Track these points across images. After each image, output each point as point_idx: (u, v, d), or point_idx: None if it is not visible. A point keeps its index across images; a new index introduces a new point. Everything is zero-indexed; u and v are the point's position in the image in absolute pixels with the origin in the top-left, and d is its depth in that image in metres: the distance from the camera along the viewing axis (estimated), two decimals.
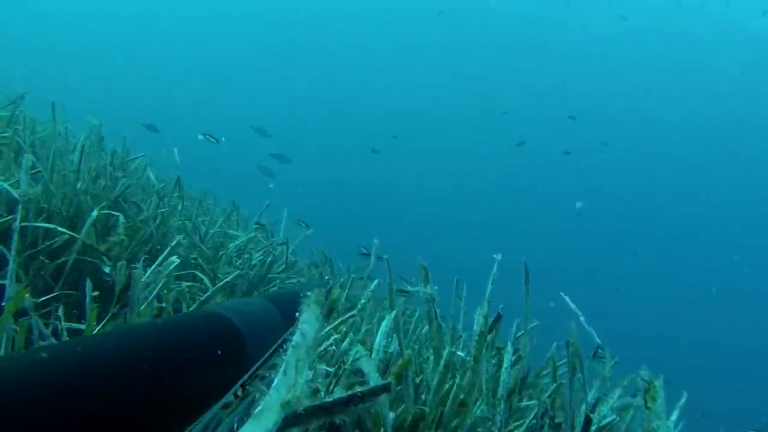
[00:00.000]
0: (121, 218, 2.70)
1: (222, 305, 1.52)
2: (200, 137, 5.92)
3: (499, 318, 2.23)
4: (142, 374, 0.91)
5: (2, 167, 2.75)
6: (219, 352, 1.17)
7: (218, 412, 1.08)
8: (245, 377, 1.20)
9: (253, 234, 3.79)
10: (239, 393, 1.21)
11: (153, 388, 0.93)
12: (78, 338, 1.12)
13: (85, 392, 0.79)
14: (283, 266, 4.14)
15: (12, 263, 1.77)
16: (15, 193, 2.58)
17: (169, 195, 3.75)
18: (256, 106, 38.79)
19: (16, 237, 2.00)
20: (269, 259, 3.90)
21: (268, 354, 1.38)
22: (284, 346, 1.67)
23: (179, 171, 3.61)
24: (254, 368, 1.27)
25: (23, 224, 2.51)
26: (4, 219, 2.48)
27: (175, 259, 2.33)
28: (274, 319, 1.69)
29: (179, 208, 3.66)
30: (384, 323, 1.74)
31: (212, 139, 6.02)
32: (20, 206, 2.46)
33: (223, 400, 1.09)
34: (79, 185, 3.09)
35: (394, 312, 1.84)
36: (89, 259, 2.59)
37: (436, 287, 2.06)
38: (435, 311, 2.08)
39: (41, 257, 2.52)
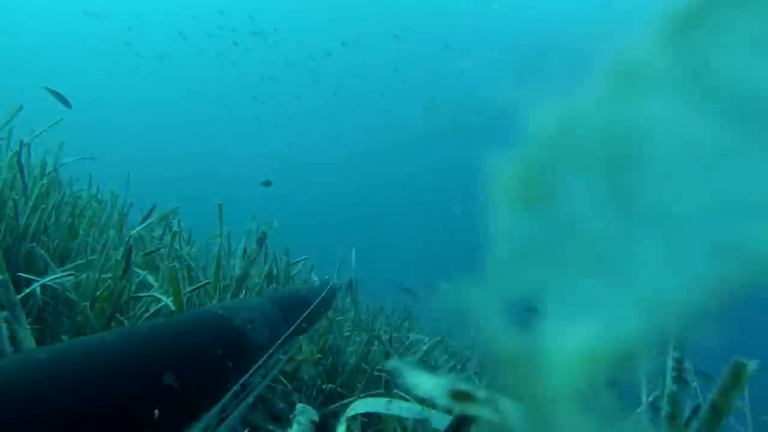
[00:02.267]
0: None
1: (221, 305, 1.45)
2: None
3: None
4: (142, 374, 0.90)
5: (160, 281, 2.38)
6: (219, 351, 1.16)
7: (218, 413, 1.06)
8: (245, 377, 1.19)
9: (440, 337, 3.12)
10: (239, 393, 1.19)
11: (152, 387, 0.91)
12: (78, 338, 1.04)
13: (84, 393, 0.78)
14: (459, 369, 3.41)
15: None
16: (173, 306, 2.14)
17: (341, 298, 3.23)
18: None
19: None
20: (459, 366, 3.21)
21: (268, 354, 1.36)
22: (284, 347, 1.50)
23: (354, 273, 3.09)
24: (254, 368, 1.25)
25: None
26: None
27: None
28: (274, 319, 1.61)
29: (351, 315, 3.12)
30: None
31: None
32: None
33: (224, 400, 1.08)
34: (242, 296, 2.67)
35: None
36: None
37: None
38: None
39: None
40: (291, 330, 1.63)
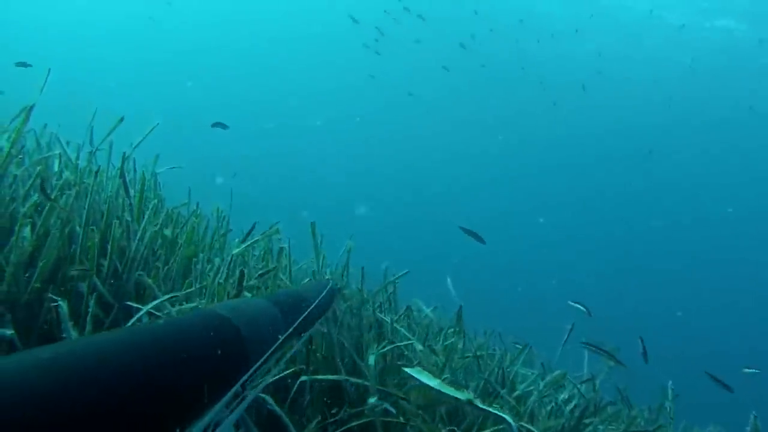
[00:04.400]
0: (418, 345, 1.95)
1: (221, 305, 1.42)
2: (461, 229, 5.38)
3: None
4: (141, 375, 0.90)
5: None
6: (219, 351, 1.15)
7: (218, 413, 1.06)
8: (245, 377, 1.20)
9: (560, 371, 2.78)
10: (239, 393, 1.19)
11: (152, 388, 0.92)
12: (78, 339, 1.03)
13: (85, 392, 0.78)
14: (592, 410, 3.04)
15: None
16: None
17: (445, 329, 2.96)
18: None
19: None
20: (581, 404, 2.85)
21: (267, 354, 1.37)
22: (284, 347, 1.57)
23: (460, 300, 2.81)
24: (254, 368, 1.26)
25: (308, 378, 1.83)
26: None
27: None
28: (274, 320, 1.59)
29: (459, 346, 2.83)
30: None
31: (473, 235, 5.38)
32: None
33: (224, 401, 1.08)
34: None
35: None
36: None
37: None
38: None
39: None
40: (291, 330, 1.63)
